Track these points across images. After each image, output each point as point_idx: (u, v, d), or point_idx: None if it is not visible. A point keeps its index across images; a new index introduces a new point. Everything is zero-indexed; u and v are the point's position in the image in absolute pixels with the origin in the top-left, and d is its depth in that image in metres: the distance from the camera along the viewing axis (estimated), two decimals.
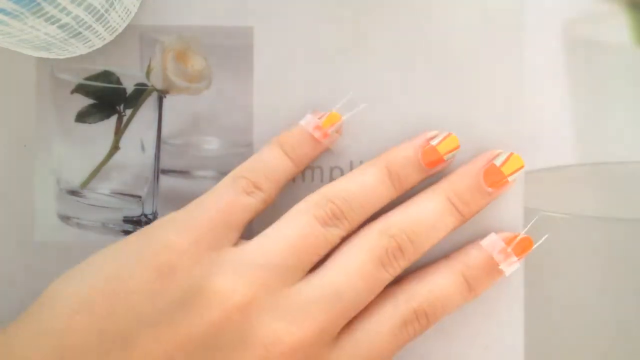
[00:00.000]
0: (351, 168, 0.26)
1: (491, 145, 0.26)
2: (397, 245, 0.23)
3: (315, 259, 0.22)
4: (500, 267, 0.24)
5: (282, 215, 0.23)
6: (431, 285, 0.24)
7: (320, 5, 0.26)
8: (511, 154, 0.24)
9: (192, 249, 0.21)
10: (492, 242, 0.24)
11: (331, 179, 0.26)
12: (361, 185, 0.23)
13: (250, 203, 0.23)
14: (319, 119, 0.25)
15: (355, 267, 0.22)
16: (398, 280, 0.24)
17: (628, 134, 0.26)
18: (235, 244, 0.22)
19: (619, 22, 0.26)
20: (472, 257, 0.24)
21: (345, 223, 0.23)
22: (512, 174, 0.24)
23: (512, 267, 0.24)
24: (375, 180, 0.24)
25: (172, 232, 0.22)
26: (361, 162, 0.26)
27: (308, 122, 0.24)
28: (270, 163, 0.23)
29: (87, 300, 0.21)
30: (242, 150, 0.26)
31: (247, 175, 0.23)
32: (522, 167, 0.24)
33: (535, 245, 0.24)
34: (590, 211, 0.26)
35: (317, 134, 0.24)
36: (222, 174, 0.26)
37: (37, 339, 0.20)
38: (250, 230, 0.24)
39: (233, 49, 0.26)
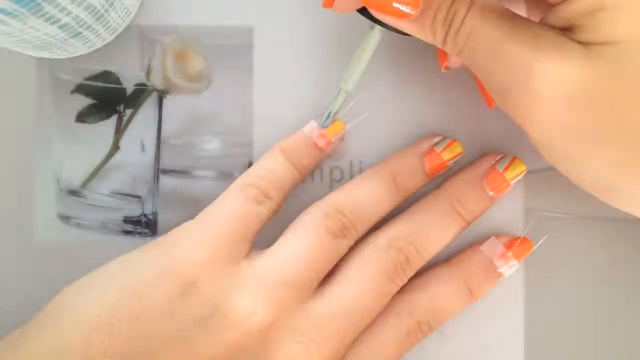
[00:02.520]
0: (351, 168, 0.26)
1: (491, 144, 0.26)
2: (405, 258, 0.23)
3: (326, 271, 0.22)
4: (499, 270, 0.24)
5: (281, 218, 0.23)
6: (434, 295, 0.24)
7: (320, 6, 0.26)
8: (514, 158, 0.24)
9: (212, 264, 0.21)
10: (492, 246, 0.24)
11: (331, 179, 0.26)
12: (369, 195, 0.23)
13: (262, 212, 0.23)
14: (322, 125, 0.24)
15: (365, 282, 0.22)
16: (401, 291, 0.24)
17: None
18: (248, 255, 0.22)
19: None
20: (473, 263, 0.24)
21: (354, 233, 0.23)
22: (514, 178, 0.24)
23: (511, 269, 0.24)
24: (383, 189, 0.24)
25: (192, 247, 0.21)
26: (361, 162, 0.26)
27: (312, 129, 0.24)
28: (277, 172, 0.23)
29: (107, 321, 0.20)
30: (242, 150, 0.26)
31: (257, 184, 0.23)
32: (525, 170, 0.24)
33: (535, 247, 0.24)
34: (590, 211, 0.26)
35: (321, 143, 0.24)
36: (222, 174, 0.26)
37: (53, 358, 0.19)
38: None
39: (233, 49, 0.26)
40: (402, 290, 0.24)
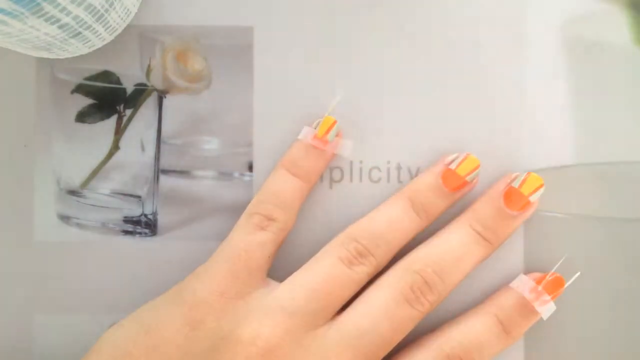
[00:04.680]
0: (351, 168, 0.26)
1: (490, 145, 0.26)
2: (423, 280, 0.22)
3: (342, 300, 0.22)
4: (535, 306, 0.24)
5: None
6: (464, 328, 0.23)
7: (320, 6, 0.26)
8: (528, 173, 0.24)
9: (219, 302, 0.22)
10: (521, 282, 0.24)
11: (331, 179, 0.26)
12: (385, 219, 0.23)
13: (266, 238, 0.23)
14: (315, 128, 0.25)
15: (377, 306, 0.22)
16: (432, 330, 0.24)
17: (628, 134, 0.26)
18: (264, 284, 0.23)
19: (619, 22, 0.26)
20: (503, 299, 0.24)
21: (372, 259, 0.23)
22: (532, 193, 0.24)
23: (547, 307, 0.24)
24: (399, 213, 0.24)
25: (199, 288, 0.22)
26: (361, 162, 0.26)
27: (305, 134, 0.24)
28: (277, 190, 0.24)
29: (127, 352, 0.22)
30: (242, 150, 0.26)
31: (259, 210, 0.23)
32: (542, 185, 0.24)
33: (567, 284, 0.24)
34: (590, 211, 0.26)
35: (317, 143, 0.24)
36: (222, 174, 0.26)
37: None
38: None
39: (233, 49, 0.26)
40: (432, 330, 0.24)
